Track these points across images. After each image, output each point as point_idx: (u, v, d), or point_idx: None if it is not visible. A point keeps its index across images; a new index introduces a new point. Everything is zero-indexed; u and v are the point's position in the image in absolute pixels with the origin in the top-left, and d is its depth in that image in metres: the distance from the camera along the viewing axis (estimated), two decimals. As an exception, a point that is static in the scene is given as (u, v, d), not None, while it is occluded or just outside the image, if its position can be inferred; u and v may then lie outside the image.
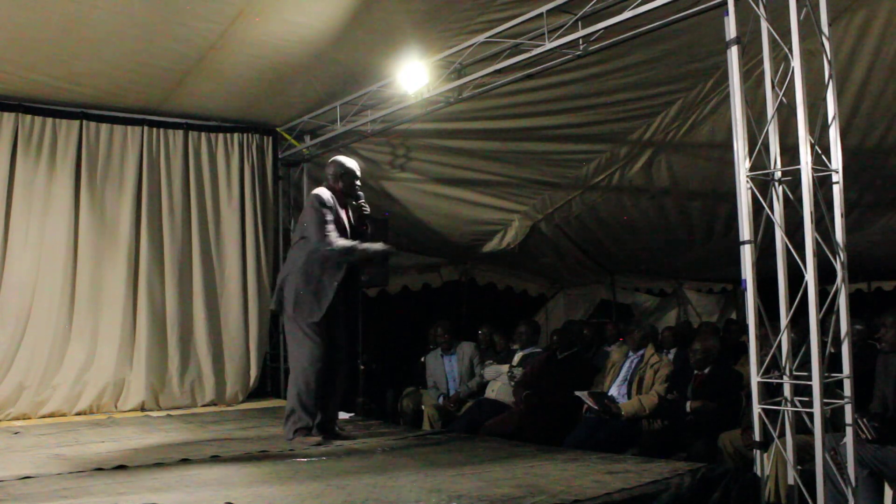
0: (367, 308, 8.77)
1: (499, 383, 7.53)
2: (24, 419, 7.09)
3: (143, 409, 7.61)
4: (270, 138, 8.67)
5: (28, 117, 7.44)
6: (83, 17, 5.94)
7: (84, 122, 7.69)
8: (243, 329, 8.23)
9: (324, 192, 5.66)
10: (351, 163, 5.90)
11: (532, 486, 4.16)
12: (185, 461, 5.04)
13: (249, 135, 8.49)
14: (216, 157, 8.32)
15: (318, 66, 6.97)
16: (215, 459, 5.12)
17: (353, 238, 5.69)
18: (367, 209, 5.86)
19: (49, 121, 7.55)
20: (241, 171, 8.41)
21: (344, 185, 5.79)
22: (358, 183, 5.86)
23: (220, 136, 8.36)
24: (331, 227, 5.56)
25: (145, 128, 7.99)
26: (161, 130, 8.08)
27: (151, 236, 7.92)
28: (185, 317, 7.97)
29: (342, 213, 5.71)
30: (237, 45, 6.45)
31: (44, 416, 7.21)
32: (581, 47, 5.80)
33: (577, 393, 6.50)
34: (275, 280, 8.57)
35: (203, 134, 8.29)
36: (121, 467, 4.82)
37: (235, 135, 8.42)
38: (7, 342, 7.24)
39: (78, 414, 7.37)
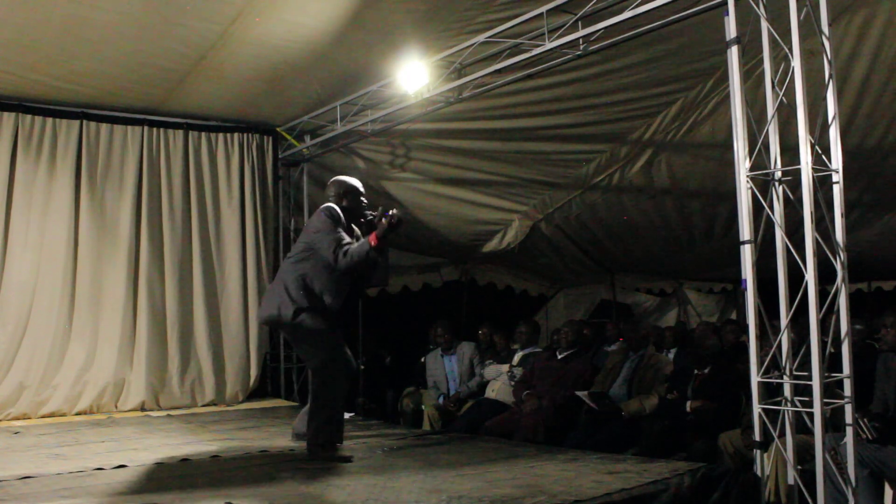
0: (368, 308, 8.76)
1: (499, 383, 7.53)
2: (24, 419, 7.10)
3: (143, 409, 7.63)
4: (270, 138, 8.67)
5: (28, 117, 7.44)
6: (84, 17, 5.95)
7: (84, 121, 7.70)
8: (243, 329, 8.23)
9: (334, 206, 5.31)
10: (353, 181, 5.58)
11: (532, 486, 4.16)
12: (185, 461, 5.05)
13: (249, 135, 8.50)
14: (216, 156, 8.33)
15: (317, 66, 6.97)
16: (215, 459, 5.13)
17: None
18: (379, 217, 5.26)
19: (49, 120, 7.55)
20: (241, 170, 8.42)
21: (349, 203, 5.41)
22: (363, 200, 5.53)
23: (220, 135, 8.37)
24: (346, 239, 5.16)
25: (145, 128, 8.00)
26: (161, 130, 8.09)
27: (151, 236, 7.93)
28: (185, 317, 7.98)
29: (354, 230, 5.38)
30: (237, 45, 6.46)
31: (44, 416, 7.22)
32: (581, 47, 5.80)
33: (577, 393, 6.51)
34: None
35: (203, 134, 8.30)
36: (121, 467, 4.84)
37: (235, 135, 8.43)
38: (7, 342, 7.25)
39: (78, 414, 7.38)
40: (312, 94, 7.69)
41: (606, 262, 11.73)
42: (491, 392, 7.55)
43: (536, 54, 5.98)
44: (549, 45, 5.84)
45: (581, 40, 5.73)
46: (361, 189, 5.56)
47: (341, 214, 5.27)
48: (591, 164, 8.63)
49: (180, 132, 8.19)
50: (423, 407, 8.12)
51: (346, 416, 7.04)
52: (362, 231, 5.43)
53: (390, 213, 5.08)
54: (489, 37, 6.23)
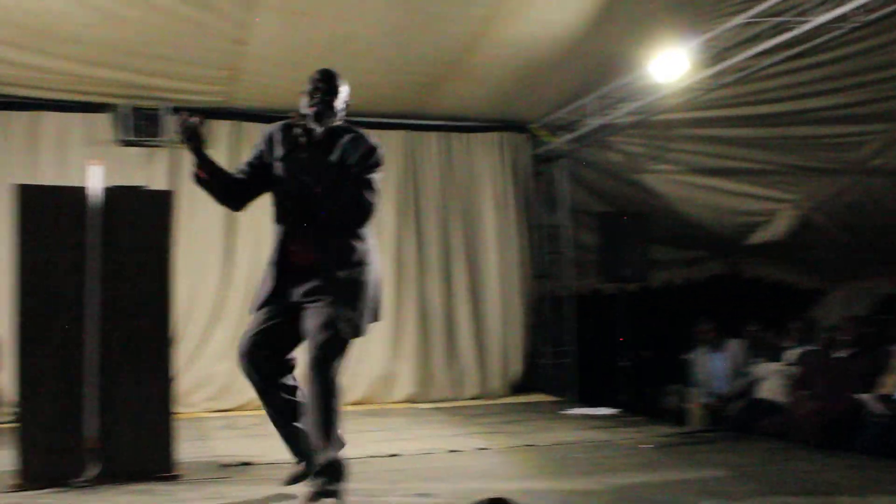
0: (629, 304, 8.62)
1: (771, 382, 7.13)
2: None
3: (410, 400, 7.98)
4: (525, 136, 8.75)
5: (299, 129, 7.98)
6: (345, 32, 6.34)
7: (349, 129, 8.16)
8: (506, 324, 8.39)
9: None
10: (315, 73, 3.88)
11: (814, 492, 3.88)
12: (452, 452, 5.19)
13: (504, 133, 8.63)
14: (473, 156, 8.54)
15: (570, 61, 6.95)
16: (482, 451, 5.23)
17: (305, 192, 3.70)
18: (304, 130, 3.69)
19: (316, 131, 8.06)
20: (498, 169, 8.57)
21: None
22: (308, 98, 3.78)
23: (476, 135, 8.56)
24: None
25: (404, 132, 8.34)
26: (419, 134, 8.41)
27: (415, 236, 8.28)
28: (448, 313, 8.26)
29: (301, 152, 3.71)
30: (490, 45, 6.59)
31: (321, 407, 7.72)
32: (851, 20, 5.34)
33: (860, 396, 6.01)
34: (535, 277, 8.72)
35: (459, 135, 8.54)
36: (393, 456, 5.06)
37: (490, 134, 8.59)
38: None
39: (351, 404, 7.82)
40: (566, 89, 7.69)
41: (890, 254, 10.77)
42: (762, 391, 7.17)
43: (801, 32, 5.59)
44: (815, 22, 5.44)
45: (849, 13, 5.28)
46: (310, 83, 3.84)
47: (264, 132, 3.94)
48: (868, 146, 7.96)
49: (438, 134, 8.47)
50: (688, 405, 7.87)
51: (609, 412, 7.00)
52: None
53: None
54: (749, 17, 5.91)
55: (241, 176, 3.83)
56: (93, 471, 4.15)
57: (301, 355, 3.75)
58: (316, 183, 3.64)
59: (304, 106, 3.73)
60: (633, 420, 6.78)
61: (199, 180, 3.68)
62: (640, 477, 4.35)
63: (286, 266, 3.74)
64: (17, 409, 4.29)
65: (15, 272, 4.26)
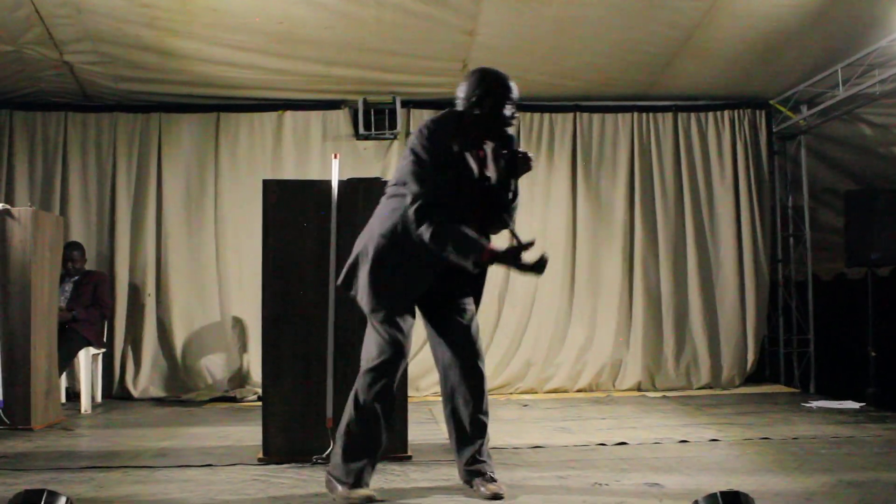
0: (878, 289, 7.98)
1: None
2: (530, 393, 7.76)
3: (639, 388, 7.84)
4: (763, 112, 8.30)
5: (527, 115, 8.03)
6: (573, 16, 6.30)
7: (577, 113, 8.11)
8: (740, 311, 8.02)
9: (440, 121, 3.65)
10: (498, 75, 3.67)
11: None
12: (682, 442, 5.06)
13: (740, 111, 8.23)
14: (706, 136, 8.21)
15: (813, 30, 6.50)
16: (714, 443, 5.06)
17: (486, 203, 3.80)
18: (526, 159, 3.80)
19: (546, 116, 8.10)
20: (733, 148, 8.18)
21: (485, 111, 3.61)
22: (508, 111, 3.66)
23: (710, 114, 8.23)
24: (429, 185, 3.52)
25: (635, 114, 8.17)
26: (650, 115, 8.20)
27: (645, 220, 8.09)
28: (679, 299, 8.02)
29: (470, 160, 3.62)
30: (724, 19, 6.33)
31: (548, 392, 7.80)
32: None
33: None
34: (772, 261, 8.27)
35: (692, 114, 8.24)
36: (621, 444, 5.00)
37: (725, 112, 8.23)
38: (516, 322, 7.94)
39: (578, 391, 7.82)
40: (808, 59, 7.18)
41: None
42: None
43: None
44: None
45: None
46: (510, 93, 3.66)
47: (429, 140, 3.55)
48: None
49: (669, 115, 8.22)
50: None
51: (854, 406, 6.52)
52: (495, 159, 3.71)
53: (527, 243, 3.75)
54: None
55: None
56: (329, 448, 4.39)
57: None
58: (507, 188, 3.90)
59: (505, 114, 3.66)
60: (883, 416, 6.28)
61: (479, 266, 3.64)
62: (890, 477, 4.03)
63: (451, 266, 3.60)
64: (261, 388, 4.65)
65: (262, 259, 4.60)
